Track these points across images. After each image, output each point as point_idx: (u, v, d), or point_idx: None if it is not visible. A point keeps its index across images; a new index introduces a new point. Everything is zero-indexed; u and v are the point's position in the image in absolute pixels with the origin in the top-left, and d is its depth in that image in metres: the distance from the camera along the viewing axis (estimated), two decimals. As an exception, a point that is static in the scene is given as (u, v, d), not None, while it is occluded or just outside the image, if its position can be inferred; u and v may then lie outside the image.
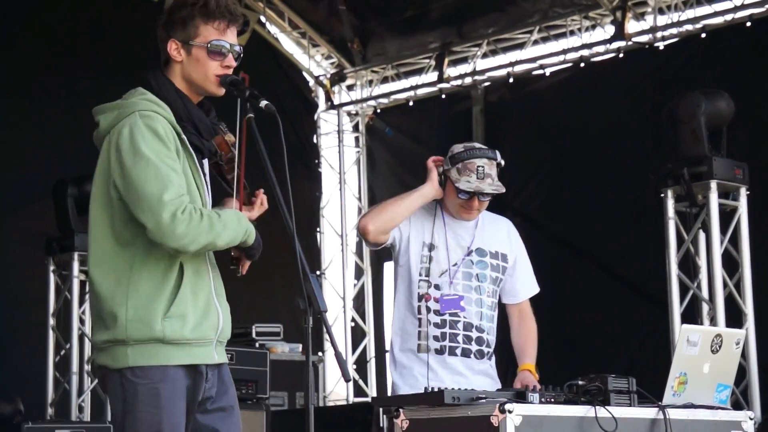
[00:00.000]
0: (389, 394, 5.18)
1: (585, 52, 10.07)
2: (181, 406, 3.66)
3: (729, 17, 9.33)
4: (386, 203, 5.19)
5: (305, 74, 11.71)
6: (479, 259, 5.19)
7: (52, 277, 8.76)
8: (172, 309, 3.62)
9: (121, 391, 3.64)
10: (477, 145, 5.18)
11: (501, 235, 5.31)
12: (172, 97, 3.73)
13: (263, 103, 3.66)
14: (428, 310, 5.11)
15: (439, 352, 5.11)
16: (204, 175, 3.79)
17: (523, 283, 5.34)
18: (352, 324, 11.61)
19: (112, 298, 3.63)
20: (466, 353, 5.12)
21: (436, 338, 5.11)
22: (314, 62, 11.73)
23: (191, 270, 3.70)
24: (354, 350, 11.47)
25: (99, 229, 3.70)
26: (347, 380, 3.61)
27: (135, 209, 3.59)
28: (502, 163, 5.15)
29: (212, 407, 3.79)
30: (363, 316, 11.59)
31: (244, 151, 3.85)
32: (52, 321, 8.74)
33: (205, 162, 3.87)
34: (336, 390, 11.10)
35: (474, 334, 5.12)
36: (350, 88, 11.83)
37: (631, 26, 9.68)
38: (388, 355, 5.32)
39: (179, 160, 3.65)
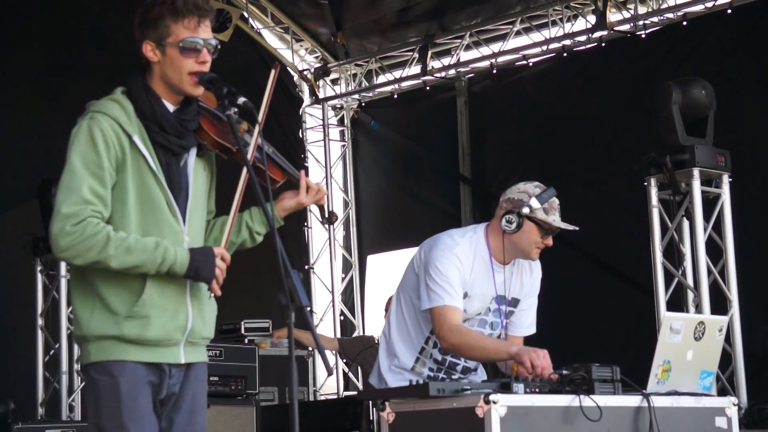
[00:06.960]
0: (376, 379, 5.09)
1: (567, 42, 10.09)
2: (144, 400, 3.68)
3: (710, 4, 9.35)
4: (468, 347, 4.84)
5: (289, 69, 11.70)
6: (496, 308, 5.04)
7: (39, 278, 8.78)
8: (135, 309, 3.65)
9: (87, 388, 3.75)
10: (540, 183, 4.99)
11: (524, 278, 5.15)
12: (139, 95, 3.74)
13: (241, 100, 3.68)
14: (435, 344, 4.98)
15: (432, 378, 5.04)
16: (170, 172, 3.73)
17: (523, 324, 5.18)
18: (342, 317, 11.62)
19: (80, 296, 3.71)
20: None
21: (431, 369, 5.03)
22: (298, 57, 11.74)
23: None
24: (344, 344, 11.49)
25: None
26: (330, 374, 3.65)
27: None
28: None
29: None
30: (352, 310, 11.60)
31: (256, 140, 3.81)
32: (40, 321, 8.76)
33: (190, 155, 3.82)
34: (328, 383, 11.11)
35: (467, 376, 5.07)
36: (335, 82, 11.83)
37: (613, 15, 9.70)
38: (384, 343, 5.11)
39: (125, 164, 3.65)
